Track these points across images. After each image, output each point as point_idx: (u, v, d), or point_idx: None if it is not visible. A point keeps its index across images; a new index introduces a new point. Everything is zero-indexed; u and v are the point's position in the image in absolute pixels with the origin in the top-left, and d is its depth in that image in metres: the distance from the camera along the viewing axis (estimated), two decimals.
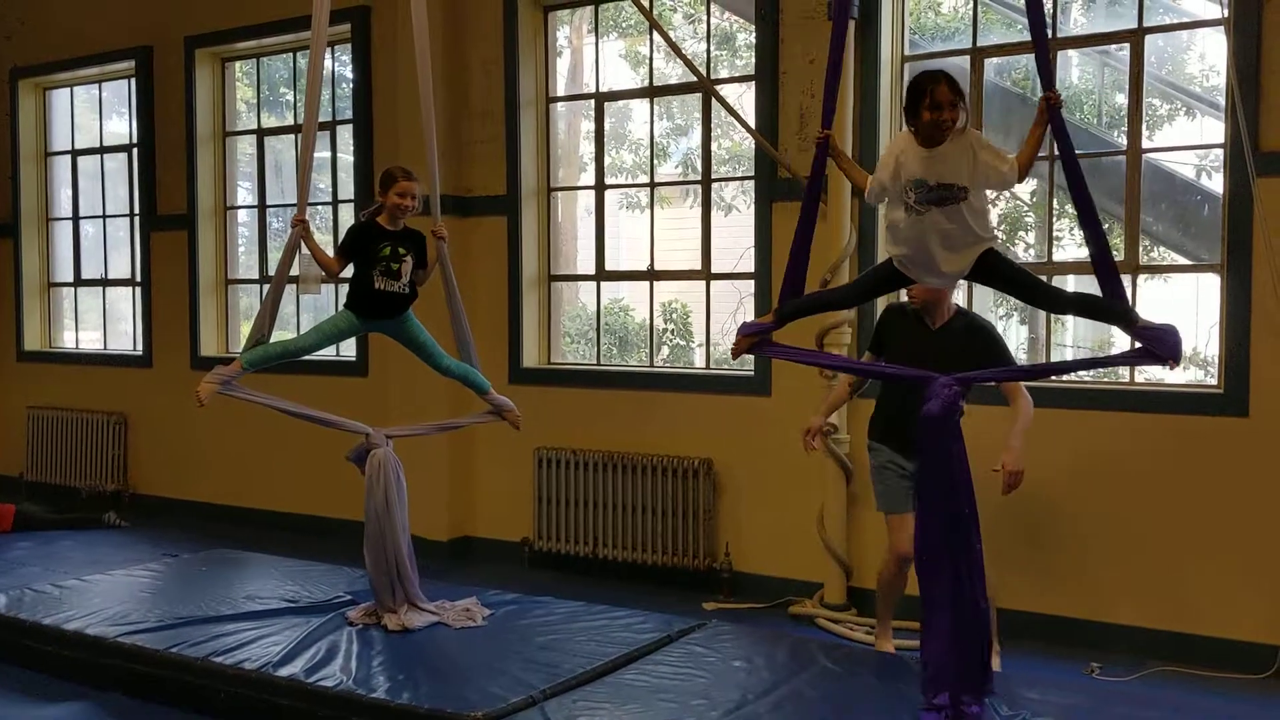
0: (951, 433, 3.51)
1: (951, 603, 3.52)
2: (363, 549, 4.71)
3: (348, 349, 7.56)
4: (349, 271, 4.74)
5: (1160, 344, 3.33)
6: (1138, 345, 3.40)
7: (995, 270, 3.54)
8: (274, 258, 8.23)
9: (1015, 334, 9.66)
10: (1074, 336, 9.62)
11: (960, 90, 3.44)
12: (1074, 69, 8.18)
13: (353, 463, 4.82)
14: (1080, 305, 3.77)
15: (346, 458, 4.84)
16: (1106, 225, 7.86)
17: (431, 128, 4.78)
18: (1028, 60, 7.08)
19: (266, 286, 7.97)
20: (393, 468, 4.71)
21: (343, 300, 4.84)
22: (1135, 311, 3.47)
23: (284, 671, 4.09)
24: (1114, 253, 3.55)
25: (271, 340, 4.71)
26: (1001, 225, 8.79)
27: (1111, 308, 3.48)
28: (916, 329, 4.48)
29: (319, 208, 8.51)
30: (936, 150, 3.44)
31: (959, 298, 4.88)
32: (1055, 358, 8.20)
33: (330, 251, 4.84)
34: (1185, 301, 8.79)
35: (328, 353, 7.97)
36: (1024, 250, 8.68)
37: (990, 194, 3.63)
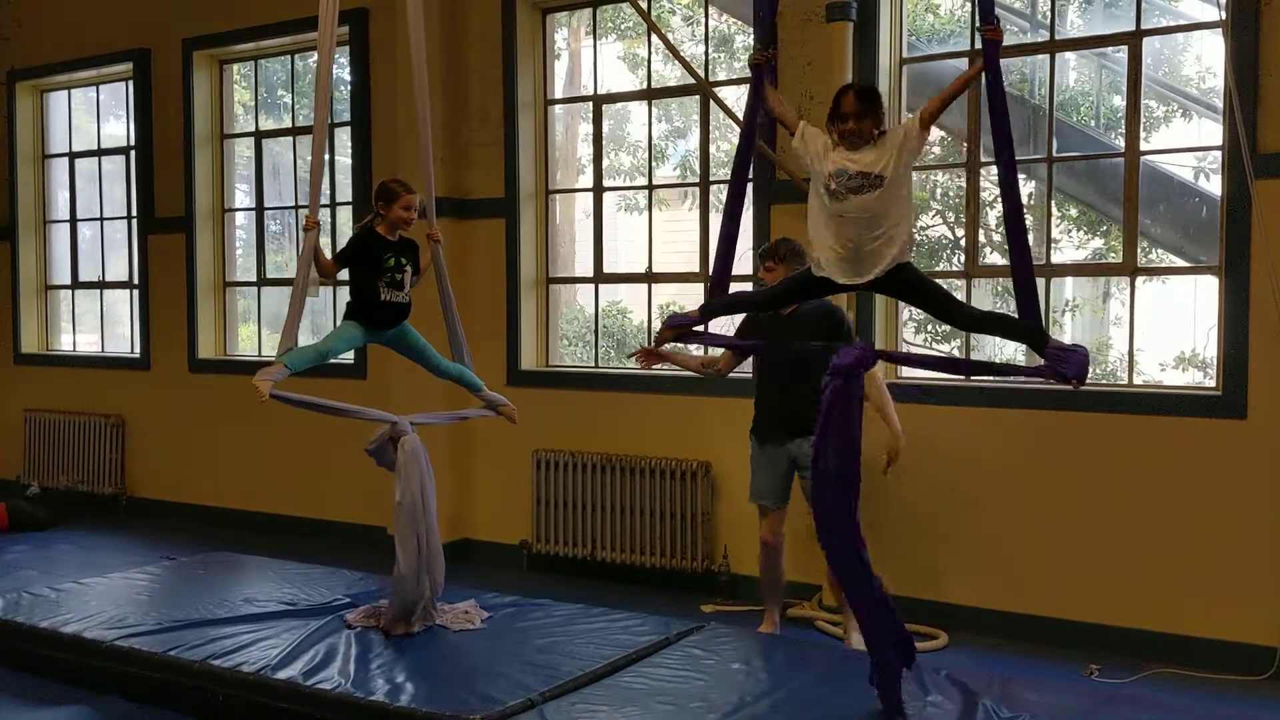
0: (855, 390, 3.52)
1: (858, 570, 3.66)
2: (396, 543, 4.55)
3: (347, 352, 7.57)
4: (342, 275, 4.73)
5: (1066, 364, 3.31)
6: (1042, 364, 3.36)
7: (908, 283, 3.51)
8: (271, 260, 8.25)
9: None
10: (1071, 339, 9.63)
11: (873, 101, 3.49)
12: (1071, 71, 8.18)
13: (371, 455, 4.74)
14: (991, 323, 3.68)
15: (366, 450, 4.75)
16: (1105, 227, 7.92)
17: (428, 133, 4.77)
18: (1025, 62, 7.10)
19: (266, 289, 8.05)
20: (423, 453, 4.66)
21: (342, 304, 4.82)
22: (1046, 332, 3.41)
23: (282, 674, 4.08)
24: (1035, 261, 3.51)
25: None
26: (998, 228, 8.79)
27: (1022, 326, 3.43)
28: (773, 318, 4.90)
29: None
30: (859, 151, 3.48)
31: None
32: None
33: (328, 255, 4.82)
34: (1183, 303, 8.80)
35: None
36: None
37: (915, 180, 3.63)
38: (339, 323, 4.83)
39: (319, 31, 4.56)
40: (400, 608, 4.56)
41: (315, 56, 8.03)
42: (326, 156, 8.02)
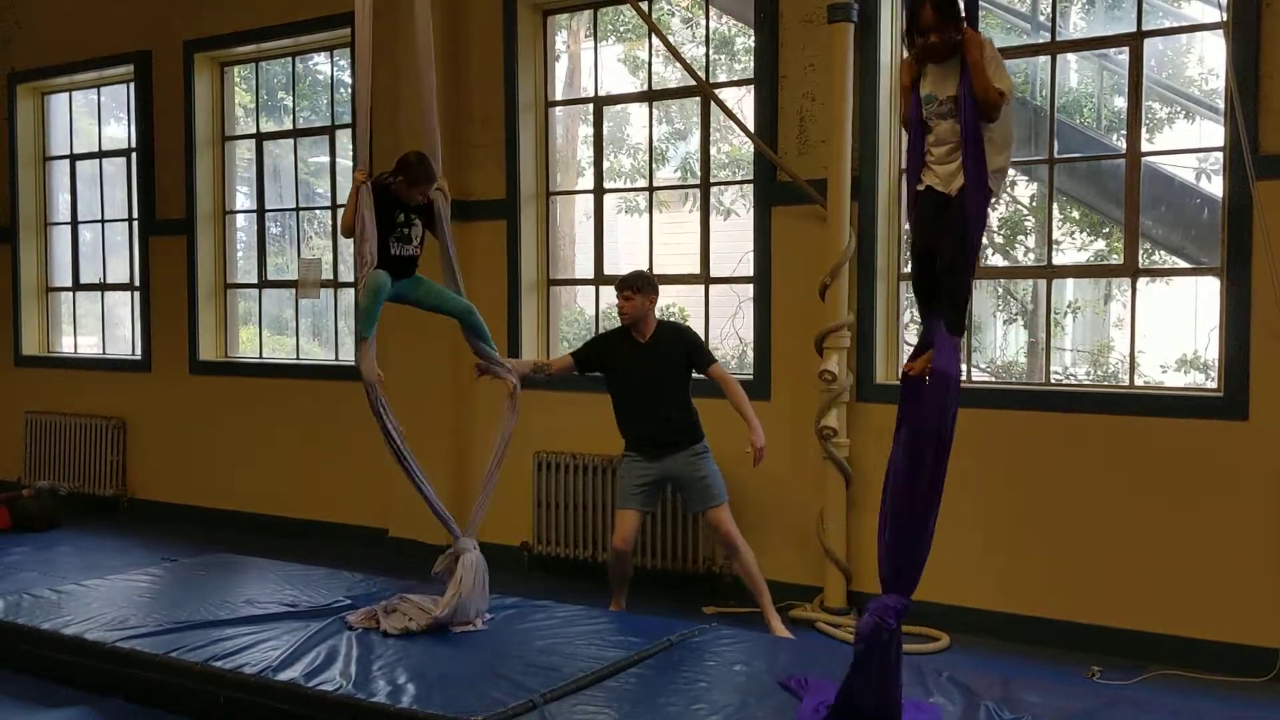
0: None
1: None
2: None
3: (347, 353, 7.56)
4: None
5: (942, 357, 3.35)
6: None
7: (954, 210, 3.40)
8: (272, 262, 8.25)
9: (1015, 338, 9.67)
10: (1073, 340, 9.63)
11: (950, 8, 3.39)
12: (1073, 73, 8.18)
13: (438, 577, 4.80)
14: (943, 294, 3.53)
15: (434, 574, 4.82)
16: (1106, 229, 7.92)
17: (432, 97, 4.81)
18: (1026, 64, 7.10)
19: (267, 290, 8.04)
20: (483, 568, 4.80)
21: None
22: (964, 325, 3.45)
23: (283, 676, 4.07)
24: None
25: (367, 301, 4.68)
26: (1001, 229, 8.80)
27: (950, 309, 3.41)
28: (630, 345, 5.28)
29: (317, 212, 8.52)
30: (942, 65, 3.42)
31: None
32: (1054, 362, 8.20)
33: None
34: (1184, 305, 8.80)
35: (328, 357, 8.02)
36: (1024, 254, 8.69)
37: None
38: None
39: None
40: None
41: (316, 59, 8.09)
42: (314, 159, 8.04)
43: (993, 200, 3.49)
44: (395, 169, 4.73)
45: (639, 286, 5.26)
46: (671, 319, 5.43)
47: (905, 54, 3.61)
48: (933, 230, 3.48)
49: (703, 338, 5.40)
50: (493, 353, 5.05)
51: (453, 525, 4.86)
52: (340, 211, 7.55)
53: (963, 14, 3.42)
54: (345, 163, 7.47)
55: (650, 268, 6.53)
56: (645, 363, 5.25)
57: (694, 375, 5.33)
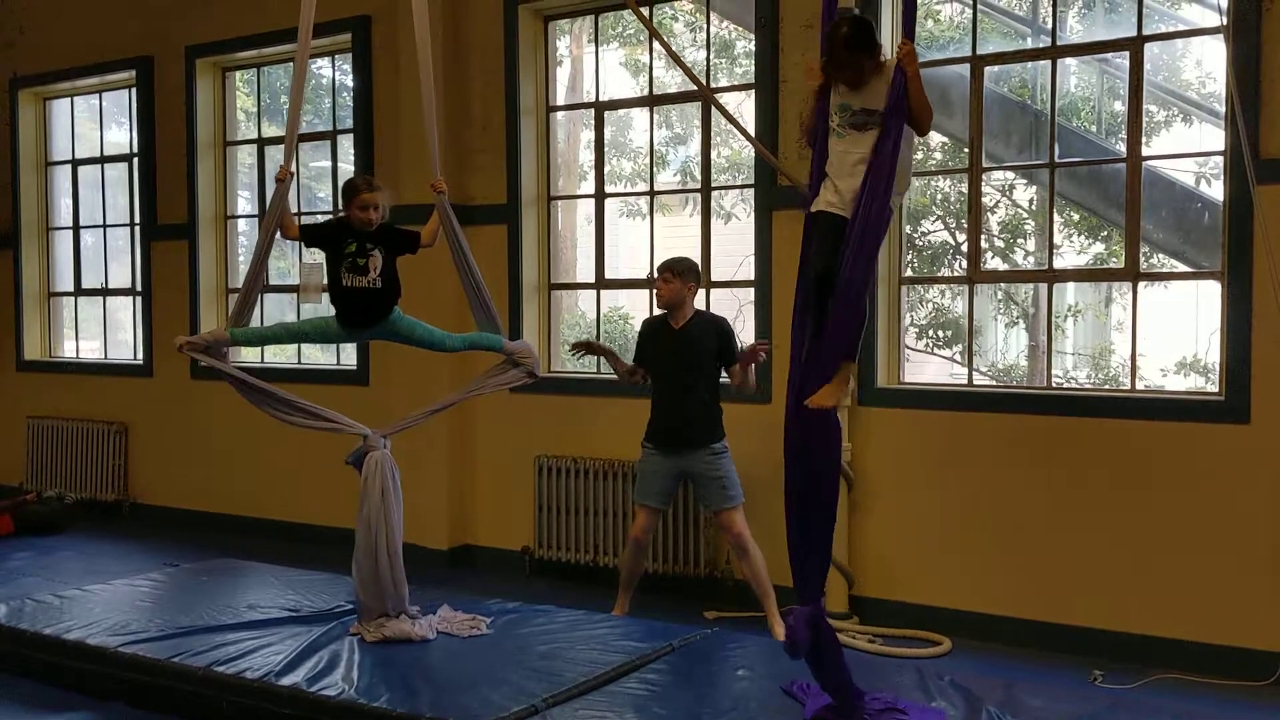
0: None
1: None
2: (355, 549, 4.59)
3: (348, 357, 7.57)
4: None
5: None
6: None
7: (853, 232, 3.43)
8: (274, 267, 8.26)
9: (1016, 341, 9.68)
10: (1073, 344, 9.64)
11: (865, 41, 3.43)
12: (1072, 76, 8.20)
13: (352, 465, 4.74)
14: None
15: (346, 461, 4.77)
16: (1106, 232, 7.92)
17: (431, 104, 4.68)
18: (1026, 68, 7.11)
19: (267, 295, 8.05)
20: (389, 471, 4.61)
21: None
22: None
23: (286, 681, 4.08)
24: None
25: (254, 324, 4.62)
26: (1003, 233, 8.81)
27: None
28: (665, 331, 5.31)
29: (318, 217, 8.51)
30: (863, 87, 3.47)
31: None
32: (1055, 364, 8.21)
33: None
34: (1186, 308, 8.81)
35: (328, 360, 8.02)
36: (1024, 258, 8.70)
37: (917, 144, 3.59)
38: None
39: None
40: (364, 609, 4.61)
41: (319, 63, 8.10)
42: (315, 165, 8.03)
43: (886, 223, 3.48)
44: (342, 195, 4.58)
45: (679, 271, 5.25)
46: (708, 311, 5.46)
47: (811, 60, 3.62)
48: (829, 252, 3.46)
49: (735, 332, 5.43)
50: (514, 344, 4.90)
51: (350, 424, 4.63)
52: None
53: (880, 40, 3.51)
54: (347, 167, 7.49)
55: (651, 271, 6.54)
56: (675, 350, 5.26)
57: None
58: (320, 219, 8.37)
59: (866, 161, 3.42)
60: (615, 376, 5.58)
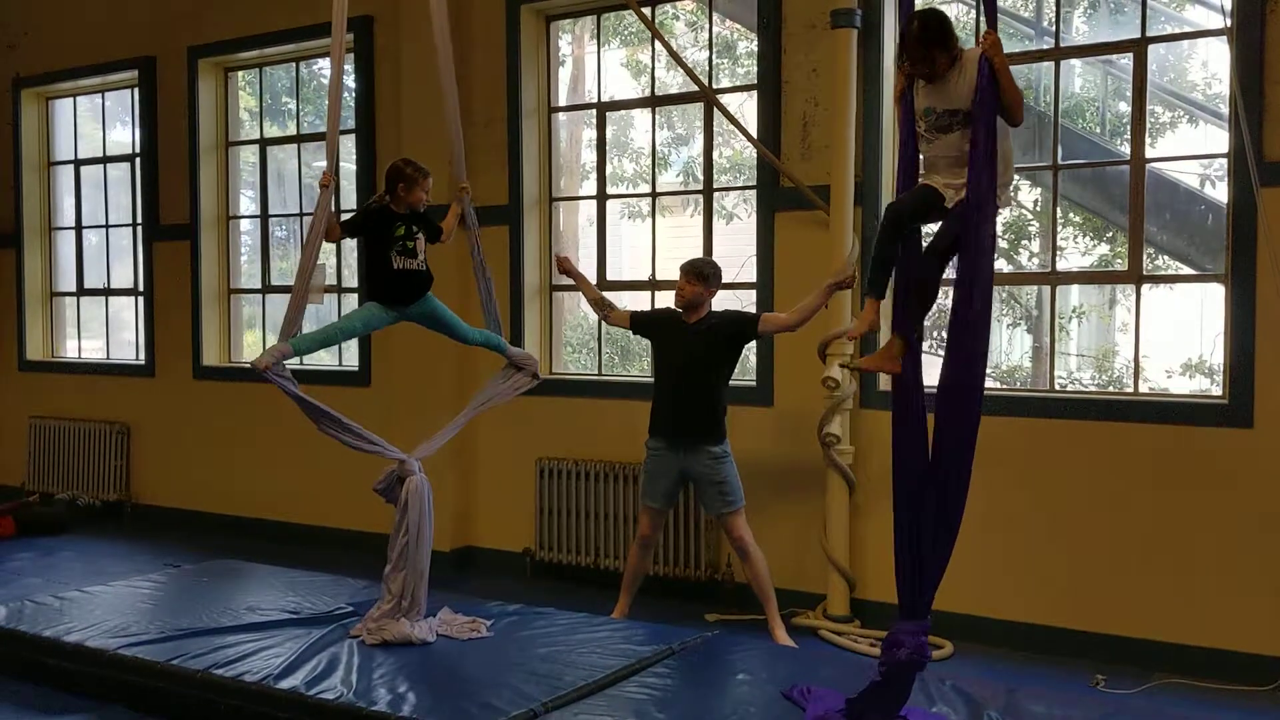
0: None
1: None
2: (384, 572, 4.67)
3: (350, 358, 7.56)
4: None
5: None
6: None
7: (957, 225, 3.41)
8: (276, 267, 8.25)
9: (1020, 342, 9.65)
10: (1077, 345, 9.61)
11: (937, 34, 3.38)
12: (1077, 77, 8.17)
13: (380, 493, 4.75)
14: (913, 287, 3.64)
15: (374, 489, 4.76)
16: (1110, 233, 7.90)
17: (454, 98, 4.85)
18: (1030, 69, 7.09)
19: (270, 296, 8.05)
20: (426, 494, 4.68)
21: (345, 310, 4.81)
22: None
23: (285, 684, 4.07)
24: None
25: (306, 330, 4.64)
26: (1006, 234, 8.78)
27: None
28: (678, 324, 5.30)
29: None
30: (937, 83, 3.42)
31: None
32: (1059, 366, 8.18)
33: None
34: (1191, 309, 8.77)
35: (329, 361, 8.02)
36: (1028, 259, 8.68)
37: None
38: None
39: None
40: (382, 613, 4.64)
41: (320, 63, 8.09)
42: (317, 163, 8.01)
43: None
44: (389, 183, 4.65)
45: (705, 275, 5.24)
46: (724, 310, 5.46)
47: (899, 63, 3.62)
48: (915, 211, 3.50)
49: (742, 310, 5.47)
50: (516, 351, 5.06)
51: (389, 449, 4.68)
52: (342, 217, 7.61)
53: (953, 31, 3.42)
54: (349, 167, 7.47)
55: (653, 273, 6.53)
56: (686, 343, 5.24)
57: (743, 360, 5.42)
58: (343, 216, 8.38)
59: (962, 160, 3.37)
60: (592, 309, 5.65)
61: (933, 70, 3.39)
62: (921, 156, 3.54)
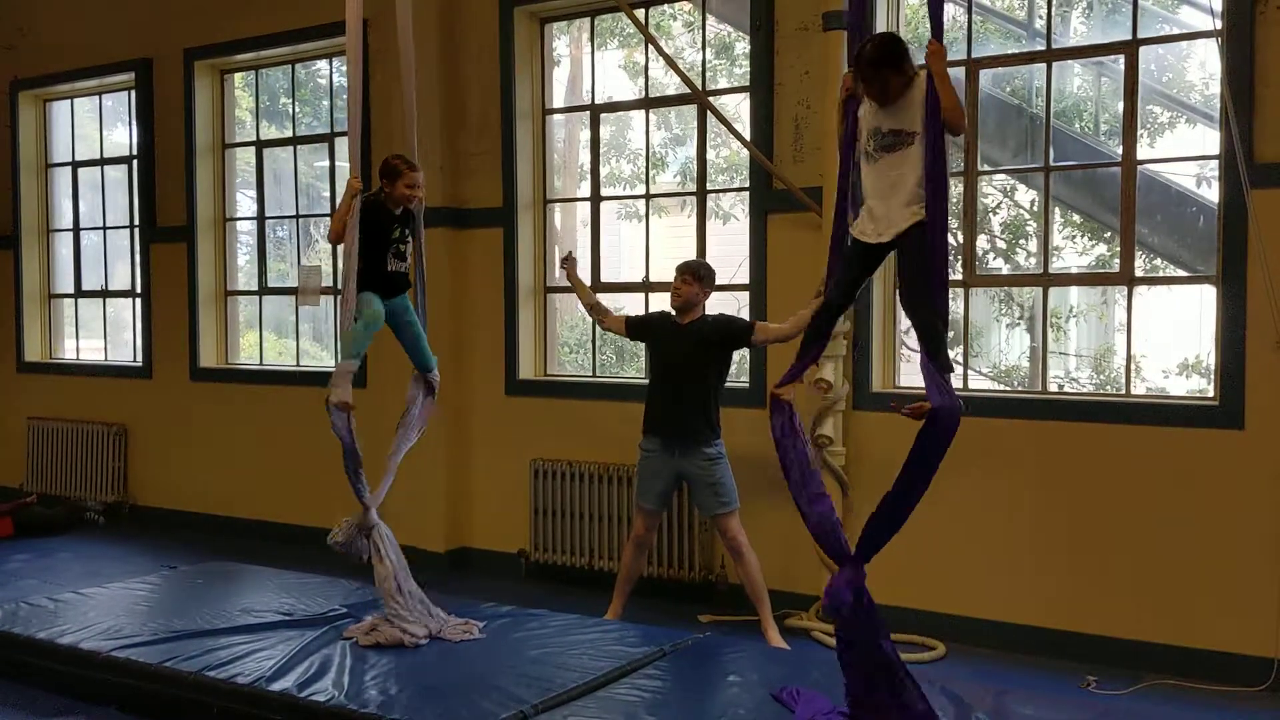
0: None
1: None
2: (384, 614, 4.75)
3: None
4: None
5: (938, 396, 3.33)
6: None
7: (914, 249, 3.40)
8: (273, 269, 8.27)
9: (1018, 342, 9.65)
10: (1074, 346, 9.60)
11: (890, 56, 3.43)
12: (1074, 78, 8.17)
13: (339, 547, 4.83)
14: (919, 329, 3.52)
15: (333, 544, 4.83)
16: (1108, 234, 7.90)
17: (413, 94, 4.86)
18: (1024, 71, 7.09)
19: (266, 298, 8.06)
20: (389, 536, 4.87)
21: (338, 309, 4.81)
22: (949, 362, 3.42)
23: (277, 686, 4.08)
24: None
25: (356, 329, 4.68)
26: (1004, 234, 8.78)
27: (934, 351, 3.39)
28: (673, 327, 5.37)
29: (316, 219, 8.51)
30: (892, 107, 3.46)
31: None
32: (1054, 367, 8.19)
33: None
34: (1188, 309, 8.77)
35: (317, 364, 8.04)
36: (1025, 259, 8.68)
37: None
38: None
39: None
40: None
41: (318, 65, 8.11)
42: (315, 164, 7.99)
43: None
44: (383, 176, 4.72)
45: (700, 275, 5.32)
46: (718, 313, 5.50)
47: (847, 76, 3.63)
48: (850, 284, 3.58)
49: (737, 317, 5.51)
50: (432, 378, 5.08)
51: (365, 493, 4.82)
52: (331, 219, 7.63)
53: (909, 58, 3.47)
54: (345, 165, 7.46)
55: (646, 274, 6.54)
56: (678, 344, 5.31)
57: (732, 373, 5.44)
58: (322, 220, 8.39)
59: (897, 185, 3.42)
60: (585, 311, 5.70)
61: (885, 92, 3.44)
62: (859, 182, 3.58)
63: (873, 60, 3.44)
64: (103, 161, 8.84)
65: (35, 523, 7.83)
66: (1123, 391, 5.57)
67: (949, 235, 3.53)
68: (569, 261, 5.62)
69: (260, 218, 8.05)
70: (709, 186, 6.56)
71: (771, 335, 5.23)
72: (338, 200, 7.59)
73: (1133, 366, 5.47)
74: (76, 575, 6.53)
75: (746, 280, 6.01)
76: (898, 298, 3.73)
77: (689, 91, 6.02)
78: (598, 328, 6.40)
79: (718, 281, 6.30)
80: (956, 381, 5.74)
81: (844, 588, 3.42)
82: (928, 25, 8.32)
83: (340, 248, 4.78)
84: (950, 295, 3.53)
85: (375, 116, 7.09)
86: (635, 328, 5.53)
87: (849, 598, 3.41)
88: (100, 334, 9.08)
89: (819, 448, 5.45)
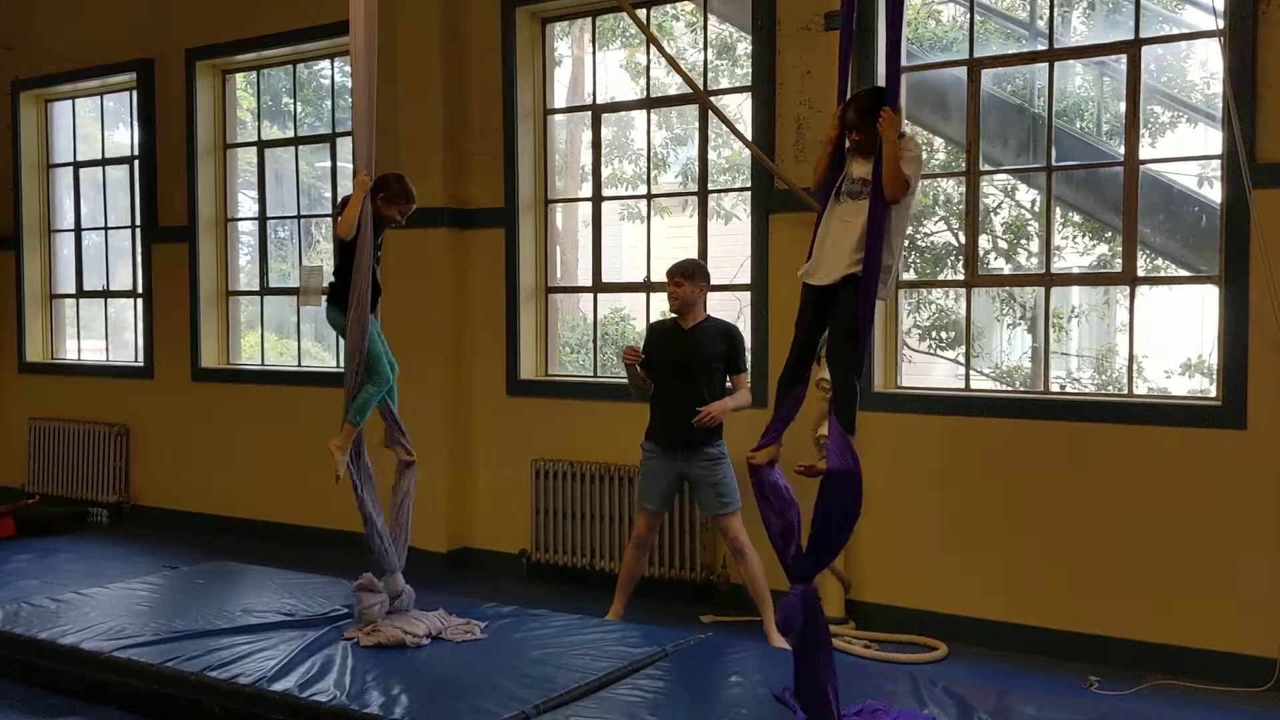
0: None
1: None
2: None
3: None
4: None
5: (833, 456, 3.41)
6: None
7: (845, 303, 3.46)
8: (275, 269, 8.27)
9: (1020, 342, 9.64)
10: (1076, 346, 9.60)
11: (865, 111, 3.51)
12: (1075, 77, 8.17)
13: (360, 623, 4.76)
14: (833, 386, 3.59)
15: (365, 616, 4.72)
16: (1109, 234, 7.90)
17: (373, 85, 4.65)
18: (1025, 71, 7.09)
19: (268, 298, 8.05)
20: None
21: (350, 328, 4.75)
22: (853, 424, 3.47)
23: (278, 686, 4.08)
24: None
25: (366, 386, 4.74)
26: (1005, 234, 8.78)
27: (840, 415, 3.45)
28: (674, 331, 5.39)
29: (318, 219, 8.53)
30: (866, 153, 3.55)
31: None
32: (1056, 367, 8.18)
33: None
34: (1191, 309, 8.76)
35: (318, 364, 8.04)
36: (1027, 259, 8.68)
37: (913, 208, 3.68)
38: (326, 311, 4.86)
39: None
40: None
41: (319, 65, 8.11)
42: (317, 165, 7.97)
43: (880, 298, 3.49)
44: (380, 189, 4.66)
45: (690, 273, 5.33)
46: (719, 317, 5.49)
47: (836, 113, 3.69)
48: (809, 326, 3.63)
49: (743, 340, 5.47)
50: (398, 423, 4.98)
51: (391, 558, 4.79)
52: (339, 215, 7.62)
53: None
54: (347, 166, 7.47)
55: (648, 275, 6.54)
56: (681, 350, 5.32)
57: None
58: (323, 221, 8.39)
59: (851, 232, 3.48)
60: (627, 382, 5.57)
61: (868, 144, 3.51)
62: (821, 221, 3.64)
63: (863, 112, 3.53)
64: (104, 162, 8.85)
65: (36, 523, 7.83)
66: (1125, 391, 5.56)
67: (896, 282, 3.61)
68: (632, 353, 5.43)
69: (262, 218, 8.05)
70: (710, 186, 6.56)
71: (741, 388, 5.37)
72: (336, 202, 7.64)
73: (1135, 366, 5.45)
74: (78, 575, 6.53)
75: (748, 280, 6.00)
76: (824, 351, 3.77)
77: (690, 91, 6.02)
78: (598, 328, 6.41)
79: (719, 281, 6.32)
80: (958, 382, 5.77)
81: (797, 604, 3.46)
82: (930, 25, 8.31)
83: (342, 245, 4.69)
84: (865, 356, 3.60)
85: (379, 117, 7.07)
86: (649, 353, 5.45)
87: (799, 613, 3.46)
88: (102, 334, 9.08)
89: (821, 447, 5.45)
